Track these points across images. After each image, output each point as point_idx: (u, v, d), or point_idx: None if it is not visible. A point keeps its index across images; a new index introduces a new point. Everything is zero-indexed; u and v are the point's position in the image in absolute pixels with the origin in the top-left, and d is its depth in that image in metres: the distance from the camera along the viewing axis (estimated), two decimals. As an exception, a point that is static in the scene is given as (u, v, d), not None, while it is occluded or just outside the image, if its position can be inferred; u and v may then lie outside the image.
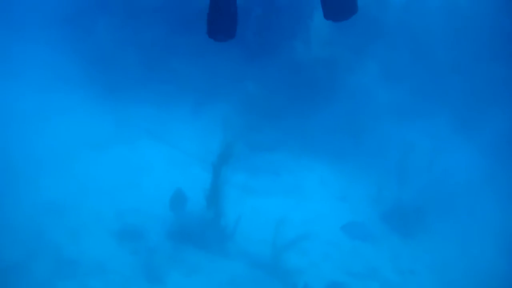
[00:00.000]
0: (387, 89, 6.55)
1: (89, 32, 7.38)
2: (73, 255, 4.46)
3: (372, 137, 6.38)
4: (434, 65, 6.46)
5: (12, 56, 7.26)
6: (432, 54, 6.55)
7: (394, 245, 5.53)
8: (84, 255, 4.49)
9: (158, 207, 5.29)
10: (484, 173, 5.48)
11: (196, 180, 5.80)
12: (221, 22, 2.62)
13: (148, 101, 7.34)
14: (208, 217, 4.96)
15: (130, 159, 6.26)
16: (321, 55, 6.94)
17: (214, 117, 7.25)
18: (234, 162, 5.24)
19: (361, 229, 5.60)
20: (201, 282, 4.57)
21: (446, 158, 5.75)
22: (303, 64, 7.09)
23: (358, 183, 6.45)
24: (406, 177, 5.94)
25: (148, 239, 4.85)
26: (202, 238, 4.88)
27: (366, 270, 5.00)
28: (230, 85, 7.48)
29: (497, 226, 5.25)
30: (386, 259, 5.25)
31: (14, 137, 5.74)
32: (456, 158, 5.77)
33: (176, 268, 4.66)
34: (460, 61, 6.37)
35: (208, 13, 2.63)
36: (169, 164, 6.35)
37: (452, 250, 5.33)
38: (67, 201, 4.96)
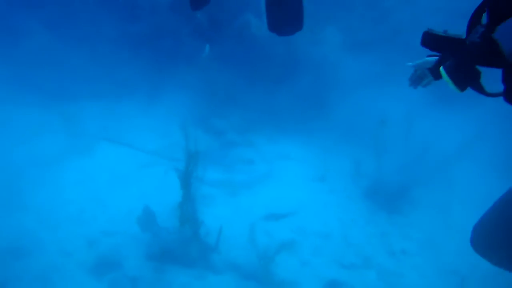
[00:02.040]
0: (353, 59, 6.22)
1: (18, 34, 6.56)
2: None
3: (344, 111, 6.11)
4: (400, 30, 6.14)
5: None
6: (397, 18, 6.23)
7: (381, 224, 5.41)
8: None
9: (131, 226, 4.88)
10: (462, 141, 5.34)
11: (166, 184, 5.42)
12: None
13: (97, 100, 6.71)
14: (187, 232, 4.61)
15: (89, 171, 5.72)
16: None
17: (171, 107, 6.76)
18: (202, 160, 4.86)
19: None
20: (192, 303, 4.31)
21: (422, 127, 5.56)
22: (259, 40, 6.61)
23: (335, 161, 6.25)
24: (384, 150, 5.75)
25: (128, 267, 4.46)
26: (184, 255, 4.54)
27: (360, 260, 4.83)
28: (183, 70, 6.93)
29: (478, 193, 5.19)
30: (376, 242, 5.11)
31: None
32: (432, 126, 5.62)
33: (164, 293, 4.35)
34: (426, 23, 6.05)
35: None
36: (134, 169, 5.85)
37: (438, 223, 5.26)
38: (29, 241, 4.47)
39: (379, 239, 5.22)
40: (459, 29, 2.00)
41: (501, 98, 1.87)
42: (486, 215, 2.33)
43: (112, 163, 5.79)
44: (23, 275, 4.08)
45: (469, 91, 2.10)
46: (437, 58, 2.21)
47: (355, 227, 5.33)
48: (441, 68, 1.91)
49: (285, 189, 5.73)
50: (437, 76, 2.06)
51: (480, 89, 1.90)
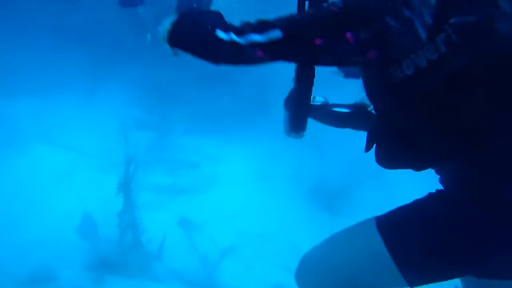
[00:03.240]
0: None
1: None
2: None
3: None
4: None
5: None
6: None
7: (324, 226, 5.49)
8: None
9: (68, 234, 4.64)
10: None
11: (105, 189, 5.21)
12: None
13: (31, 97, 6.30)
14: (127, 240, 4.47)
15: (20, 173, 5.38)
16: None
17: (111, 105, 6.49)
18: (143, 164, 4.70)
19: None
20: (133, 315, 4.18)
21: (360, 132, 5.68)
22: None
23: (277, 162, 6.26)
24: (325, 151, 5.85)
25: (64, 278, 4.24)
26: (125, 264, 4.40)
27: (303, 262, 4.90)
28: (124, 67, 6.65)
29: (414, 193, 5.39)
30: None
31: None
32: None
33: (103, 304, 4.19)
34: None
35: None
36: (70, 172, 5.58)
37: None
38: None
39: (321, 239, 5.30)
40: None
41: None
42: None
43: (46, 164, 5.46)
44: None
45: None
46: None
47: (299, 229, 5.40)
48: None
49: (227, 192, 5.68)
50: None
51: None
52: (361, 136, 5.99)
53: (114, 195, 4.40)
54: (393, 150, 1.90)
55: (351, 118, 2.38)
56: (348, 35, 1.57)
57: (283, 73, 7.04)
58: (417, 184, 5.60)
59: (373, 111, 2.20)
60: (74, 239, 4.57)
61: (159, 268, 4.43)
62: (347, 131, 6.02)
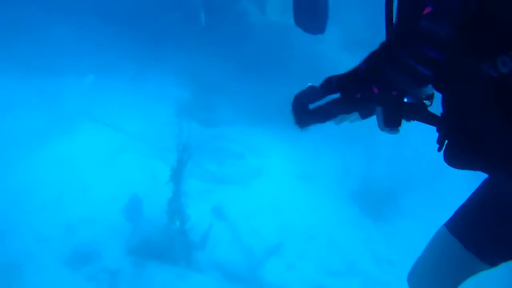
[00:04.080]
0: (351, 57, 6.01)
1: None
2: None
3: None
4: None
5: None
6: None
7: (367, 230, 5.35)
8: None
9: (113, 214, 4.64)
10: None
11: (151, 174, 5.19)
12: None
13: (80, 76, 6.32)
14: (173, 226, 4.41)
15: (70, 153, 5.39)
16: (276, 20, 6.22)
17: (159, 91, 6.45)
18: (193, 152, 4.63)
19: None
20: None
21: (415, 134, 5.48)
22: (255, 30, 6.34)
23: (323, 159, 6.11)
24: (375, 153, 5.67)
25: (107, 259, 4.23)
26: (168, 251, 4.34)
27: (345, 266, 4.76)
28: (172, 54, 6.59)
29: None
30: (362, 248, 5.05)
31: None
32: (425, 134, 5.50)
33: (143, 290, 4.15)
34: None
35: None
36: (118, 154, 5.55)
37: (423, 233, 5.22)
38: (1, 224, 4.16)
39: (364, 244, 5.17)
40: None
41: None
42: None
43: (95, 145, 5.45)
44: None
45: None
46: None
47: (341, 231, 5.26)
48: None
49: (271, 186, 5.58)
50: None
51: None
52: (413, 139, 5.79)
53: (164, 181, 4.36)
54: (467, 150, 1.75)
55: None
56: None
57: (337, 71, 6.83)
58: (463, 194, 5.40)
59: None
60: (119, 220, 4.57)
61: (201, 258, 4.37)
62: (399, 134, 5.80)
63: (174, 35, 6.35)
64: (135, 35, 6.33)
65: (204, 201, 4.98)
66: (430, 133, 5.85)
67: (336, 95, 1.71)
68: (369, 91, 1.58)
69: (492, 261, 2.01)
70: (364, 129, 5.56)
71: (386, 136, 5.54)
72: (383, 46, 1.59)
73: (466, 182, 5.62)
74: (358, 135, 5.75)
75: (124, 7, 6.46)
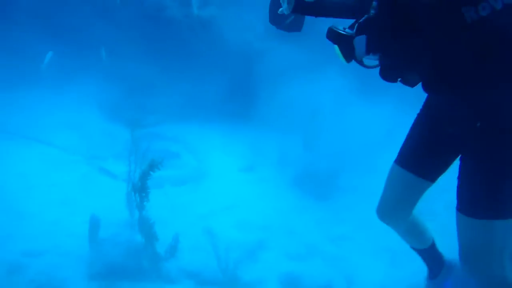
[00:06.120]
0: (276, 43, 6.12)
1: None
2: None
3: (270, 100, 6.06)
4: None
5: None
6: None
7: (315, 212, 5.58)
8: None
9: (62, 239, 4.25)
10: (384, 131, 5.72)
11: (92, 187, 4.83)
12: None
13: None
14: (135, 241, 4.19)
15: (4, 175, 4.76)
16: (198, 14, 6.07)
17: (82, 97, 5.97)
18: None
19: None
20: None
21: (349, 116, 5.83)
22: (176, 24, 6.12)
23: (262, 151, 6.21)
24: (312, 139, 5.90)
25: (69, 290, 3.87)
26: (135, 268, 4.12)
27: (304, 249, 4.95)
28: (90, 56, 6.12)
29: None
30: (314, 229, 5.27)
31: None
32: (358, 115, 5.88)
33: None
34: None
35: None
36: (50, 170, 5.03)
37: (366, 206, 5.61)
38: None
39: (315, 225, 5.40)
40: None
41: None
42: None
43: (22, 163, 4.88)
44: None
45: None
46: None
47: (291, 215, 5.43)
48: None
49: (219, 183, 5.54)
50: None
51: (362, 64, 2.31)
52: (348, 128, 6.10)
53: (111, 193, 4.11)
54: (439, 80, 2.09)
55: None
56: None
57: (266, 60, 6.94)
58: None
59: None
60: (70, 245, 4.19)
61: (171, 268, 4.22)
62: (333, 120, 6.12)
63: (88, 35, 5.86)
64: (49, 37, 5.70)
65: (160, 207, 4.79)
66: (363, 113, 6.20)
67: None
68: None
69: (430, 176, 2.57)
70: (299, 115, 5.82)
71: (321, 121, 5.80)
72: None
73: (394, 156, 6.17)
74: (293, 123, 5.97)
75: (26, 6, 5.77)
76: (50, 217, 4.37)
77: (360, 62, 2.31)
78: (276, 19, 2.93)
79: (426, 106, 2.58)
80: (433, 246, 3.21)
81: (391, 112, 5.74)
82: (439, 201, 4.62)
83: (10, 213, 4.38)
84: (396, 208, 2.84)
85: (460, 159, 2.35)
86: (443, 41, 1.94)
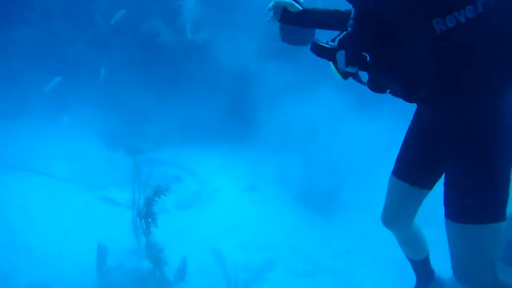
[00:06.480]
0: (270, 64, 6.20)
1: None
2: None
3: (268, 119, 6.10)
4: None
5: None
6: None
7: (319, 228, 5.59)
8: None
9: (68, 270, 4.21)
10: (382, 145, 5.76)
11: (94, 216, 4.80)
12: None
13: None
14: (143, 267, 4.16)
15: (5, 211, 4.72)
16: (194, 39, 6.14)
17: (76, 125, 5.97)
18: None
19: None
20: None
21: (346, 134, 5.87)
22: (170, 50, 6.17)
23: (262, 171, 6.22)
24: (311, 156, 5.93)
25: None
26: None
27: (311, 265, 4.95)
28: (84, 84, 6.14)
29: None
30: (320, 245, 5.28)
31: None
32: (355, 134, 5.93)
33: None
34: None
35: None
36: (54, 201, 4.99)
37: (369, 220, 5.63)
38: None
39: (321, 241, 5.40)
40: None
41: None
42: None
43: (23, 195, 4.84)
44: None
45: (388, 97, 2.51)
46: None
47: (297, 233, 5.43)
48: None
49: (219, 205, 5.54)
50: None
51: (358, 79, 2.39)
52: (346, 144, 6.10)
53: (115, 220, 4.09)
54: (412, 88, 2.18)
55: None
56: None
57: (262, 81, 6.98)
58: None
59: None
60: (81, 277, 4.15)
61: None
62: (331, 136, 6.13)
63: (83, 63, 5.89)
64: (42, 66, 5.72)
65: (166, 232, 4.77)
66: (360, 129, 6.25)
67: None
68: None
69: (424, 184, 2.63)
70: (298, 134, 5.84)
71: (320, 138, 5.83)
72: None
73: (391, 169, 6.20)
74: (292, 142, 6.00)
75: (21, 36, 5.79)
76: (54, 249, 4.33)
77: (357, 78, 2.37)
78: (288, 37, 2.97)
79: (416, 114, 2.66)
80: (426, 259, 3.24)
81: (388, 126, 5.80)
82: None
83: (14, 247, 4.34)
84: (398, 215, 2.90)
85: (446, 166, 2.40)
86: (416, 52, 2.06)
